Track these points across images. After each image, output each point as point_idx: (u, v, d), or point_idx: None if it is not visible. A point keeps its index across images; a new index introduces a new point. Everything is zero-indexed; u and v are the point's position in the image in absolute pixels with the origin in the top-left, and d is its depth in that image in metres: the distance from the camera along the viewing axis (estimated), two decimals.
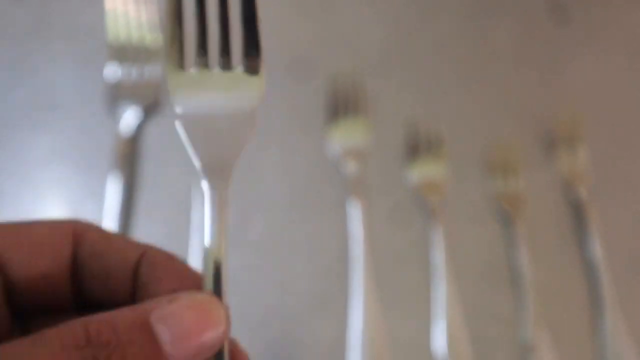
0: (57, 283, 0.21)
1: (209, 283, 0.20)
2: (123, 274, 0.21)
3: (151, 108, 0.52)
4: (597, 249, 0.47)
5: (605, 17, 0.60)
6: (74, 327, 0.16)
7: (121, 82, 0.53)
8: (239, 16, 0.23)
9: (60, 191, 0.49)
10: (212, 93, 0.22)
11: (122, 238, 0.22)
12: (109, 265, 0.21)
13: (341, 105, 0.52)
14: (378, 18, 0.59)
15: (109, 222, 0.46)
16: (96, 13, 0.55)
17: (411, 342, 0.44)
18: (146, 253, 0.21)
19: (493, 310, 0.46)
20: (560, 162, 0.52)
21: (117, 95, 0.52)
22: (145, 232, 0.47)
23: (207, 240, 0.20)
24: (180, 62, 0.22)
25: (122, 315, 0.17)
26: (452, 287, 0.45)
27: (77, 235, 0.21)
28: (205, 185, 0.21)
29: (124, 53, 0.53)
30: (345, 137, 0.51)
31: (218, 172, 0.21)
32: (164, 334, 0.17)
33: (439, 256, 0.47)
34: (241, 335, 0.21)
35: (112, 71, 0.53)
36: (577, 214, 0.50)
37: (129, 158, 0.50)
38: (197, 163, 0.21)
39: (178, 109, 0.22)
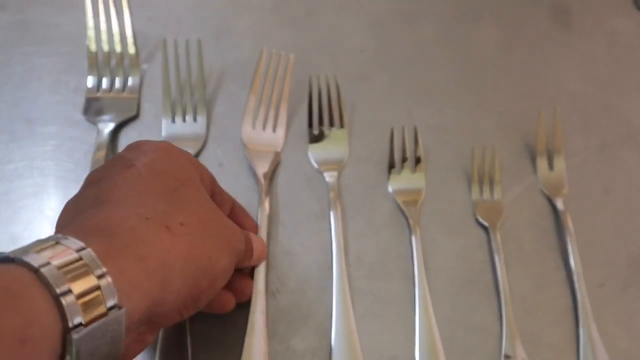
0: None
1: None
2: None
3: (129, 120, 0.52)
4: (575, 260, 0.47)
5: (587, 23, 0.60)
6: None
7: (100, 93, 0.53)
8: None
9: (38, 203, 0.48)
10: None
11: (225, 194, 0.43)
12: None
13: (321, 116, 0.52)
14: (359, 24, 0.59)
15: None
16: (76, 24, 0.56)
17: (392, 353, 0.44)
18: (234, 206, 0.44)
19: (471, 320, 0.45)
20: (539, 172, 0.52)
21: (95, 107, 0.52)
22: None
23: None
24: None
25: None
26: (430, 298, 0.45)
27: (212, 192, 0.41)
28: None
29: (103, 64, 0.53)
30: (324, 148, 0.52)
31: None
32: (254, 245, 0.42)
33: (417, 266, 0.46)
34: None
35: (91, 83, 0.53)
36: (556, 224, 0.50)
37: None
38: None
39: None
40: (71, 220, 0.33)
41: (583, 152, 0.53)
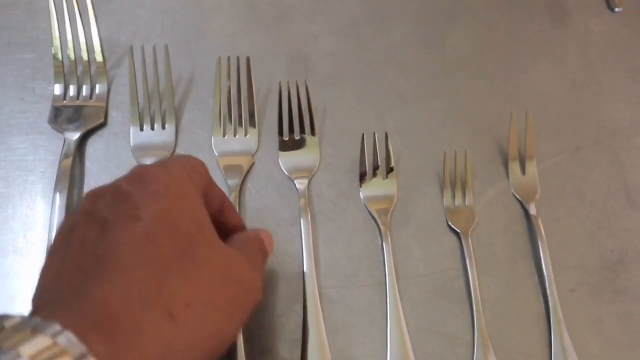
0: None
1: None
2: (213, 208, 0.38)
3: (97, 128, 0.51)
4: (547, 265, 0.47)
5: (560, 25, 0.60)
6: (254, 237, 0.40)
7: (67, 101, 0.52)
8: None
9: (3, 214, 0.48)
10: None
11: (216, 189, 0.39)
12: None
13: (292, 123, 0.52)
14: (330, 28, 0.58)
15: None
16: (42, 30, 0.55)
17: None
18: (224, 201, 0.40)
19: (443, 328, 0.45)
20: (511, 177, 0.51)
21: (62, 115, 0.51)
22: None
23: None
24: None
25: (255, 234, 0.40)
26: (402, 306, 0.45)
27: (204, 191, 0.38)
28: None
29: (70, 71, 0.52)
30: (294, 155, 0.51)
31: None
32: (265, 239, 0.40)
33: (388, 274, 0.46)
34: None
35: (58, 90, 0.52)
36: (528, 229, 0.49)
37: (75, 176, 0.49)
38: None
39: None
40: (66, 287, 0.29)
41: (555, 156, 0.53)
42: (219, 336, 0.31)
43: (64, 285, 0.29)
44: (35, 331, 0.24)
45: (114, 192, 0.32)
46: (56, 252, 0.31)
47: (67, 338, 0.24)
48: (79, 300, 0.27)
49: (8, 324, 0.25)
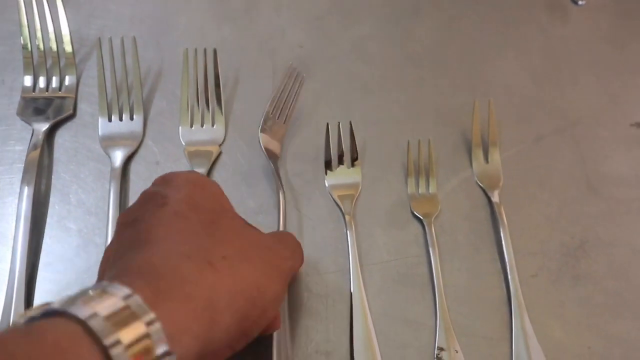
0: None
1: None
2: None
3: (65, 119, 0.52)
4: (508, 252, 0.47)
5: (523, 17, 0.61)
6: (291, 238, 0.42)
7: (36, 93, 0.52)
8: None
9: None
10: None
11: None
12: None
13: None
14: (298, 21, 0.59)
15: (21, 232, 0.45)
16: (11, 22, 0.55)
17: (326, 348, 0.44)
18: None
19: (407, 314, 0.46)
20: (474, 165, 0.52)
21: (31, 106, 0.51)
22: (58, 241, 0.46)
23: None
24: None
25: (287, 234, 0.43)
26: (366, 292, 0.46)
27: None
28: None
29: (39, 63, 0.53)
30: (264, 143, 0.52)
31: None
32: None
33: (352, 261, 0.47)
34: None
35: (28, 82, 0.52)
36: (491, 217, 0.50)
37: (43, 167, 0.50)
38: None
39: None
40: (113, 265, 0.33)
41: (518, 145, 0.54)
42: (258, 288, 0.33)
43: (117, 263, 0.33)
44: (86, 291, 0.28)
45: (142, 197, 0.37)
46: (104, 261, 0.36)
47: (114, 287, 0.28)
48: (123, 267, 0.31)
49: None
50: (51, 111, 0.51)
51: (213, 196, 0.37)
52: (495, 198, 0.50)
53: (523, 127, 0.55)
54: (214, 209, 0.36)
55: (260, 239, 0.37)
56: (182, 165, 0.50)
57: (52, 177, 0.50)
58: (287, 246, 0.40)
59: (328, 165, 0.51)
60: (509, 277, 0.47)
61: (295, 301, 0.46)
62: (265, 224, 0.48)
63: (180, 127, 0.52)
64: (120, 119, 0.51)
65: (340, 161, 0.51)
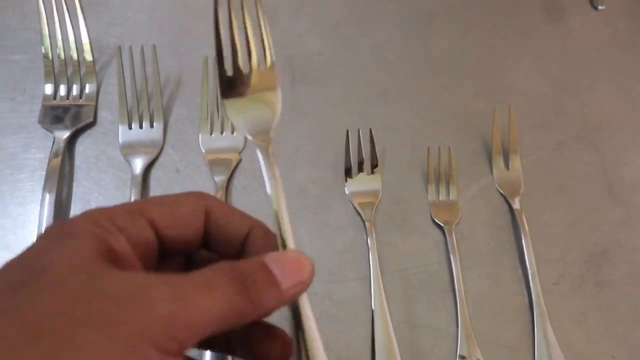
0: (193, 242, 0.30)
1: (274, 228, 0.29)
2: (236, 240, 0.30)
3: (86, 127, 0.52)
4: (530, 259, 0.47)
5: (542, 22, 0.61)
6: (224, 264, 0.26)
7: (57, 101, 0.53)
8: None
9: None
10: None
11: (237, 213, 0.31)
12: (227, 235, 0.30)
13: None
14: (315, 28, 0.59)
15: None
16: (32, 31, 0.56)
17: (348, 355, 0.44)
18: (253, 228, 0.30)
19: (427, 321, 0.46)
20: (495, 172, 0.52)
21: (52, 114, 0.52)
22: None
23: (267, 188, 0.30)
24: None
25: (250, 259, 0.27)
26: (386, 299, 0.45)
27: (208, 212, 0.30)
28: (257, 147, 0.31)
29: (60, 72, 0.53)
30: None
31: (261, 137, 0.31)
32: (275, 269, 0.27)
33: (373, 268, 0.47)
34: None
35: (49, 90, 0.53)
36: (512, 223, 0.50)
37: (64, 174, 0.50)
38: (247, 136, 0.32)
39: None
40: None
41: (538, 151, 0.54)
42: None
43: None
44: None
45: None
46: None
47: None
48: None
49: None
50: (72, 119, 0.52)
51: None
52: (516, 205, 0.50)
53: (543, 134, 0.54)
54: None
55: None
56: (202, 172, 0.50)
57: (73, 184, 0.50)
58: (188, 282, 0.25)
59: (348, 173, 0.51)
60: (531, 284, 0.46)
61: (315, 309, 0.45)
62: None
63: (200, 135, 0.52)
64: (141, 127, 0.52)
65: (360, 168, 0.51)
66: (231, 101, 0.32)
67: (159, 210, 0.28)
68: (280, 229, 0.29)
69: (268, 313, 0.27)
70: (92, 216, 0.26)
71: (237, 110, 0.32)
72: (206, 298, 0.25)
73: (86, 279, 0.24)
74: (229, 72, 0.32)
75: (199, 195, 0.30)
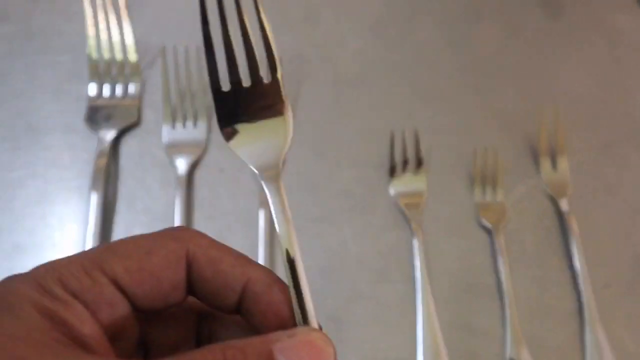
0: (171, 296, 0.24)
1: (287, 276, 0.24)
2: (229, 295, 0.24)
3: (130, 127, 0.52)
4: (580, 261, 0.46)
5: (589, 22, 0.60)
6: (214, 351, 0.20)
7: (101, 101, 0.53)
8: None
9: (41, 210, 0.49)
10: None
11: (229, 260, 0.24)
12: (215, 289, 0.24)
13: None
14: (358, 28, 0.59)
15: (90, 238, 0.46)
16: (78, 33, 0.56)
17: (395, 356, 0.44)
18: (250, 281, 0.24)
19: (475, 324, 0.45)
20: (542, 173, 0.51)
21: (97, 113, 0.52)
22: None
23: (277, 230, 0.24)
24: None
25: (252, 345, 0.21)
26: (433, 300, 0.45)
27: (190, 260, 0.24)
28: (263, 183, 0.26)
29: (104, 71, 0.53)
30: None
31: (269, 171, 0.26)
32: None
33: (420, 269, 0.46)
34: None
35: (92, 90, 0.53)
36: (559, 224, 0.49)
37: (109, 174, 0.50)
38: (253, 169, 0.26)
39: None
40: None
41: (586, 152, 0.53)
42: None
43: None
44: None
45: None
46: None
47: None
48: None
49: None
50: (116, 119, 0.52)
51: None
52: (564, 206, 0.49)
53: (590, 134, 0.54)
54: None
55: None
56: (246, 173, 0.50)
57: (119, 184, 0.50)
58: None
59: (393, 171, 0.50)
60: (581, 287, 0.46)
61: (360, 310, 0.45)
62: (328, 231, 0.47)
63: None
64: (184, 126, 0.52)
65: (405, 167, 0.50)
66: (231, 130, 0.26)
67: (123, 264, 0.22)
68: (293, 281, 0.23)
69: None
70: (36, 278, 0.21)
71: (240, 140, 0.26)
72: None
73: None
74: (226, 89, 0.27)
75: (178, 238, 0.24)
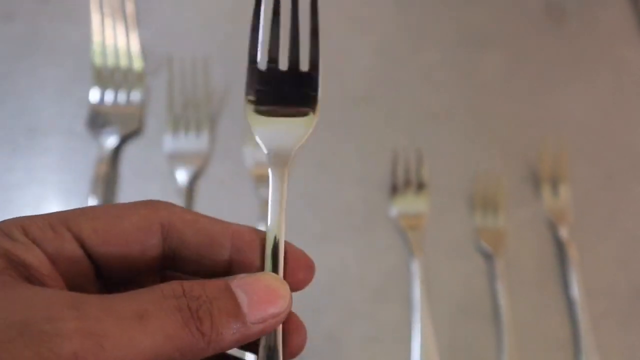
0: (141, 264, 0.23)
1: (268, 258, 0.24)
2: (221, 253, 0.24)
3: (132, 134, 0.52)
4: (577, 288, 0.46)
5: (593, 53, 0.60)
6: (172, 284, 0.21)
7: (103, 106, 0.53)
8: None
9: (39, 211, 0.48)
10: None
11: (205, 219, 0.24)
12: (204, 247, 0.24)
13: None
14: (366, 47, 0.59)
15: None
16: (83, 36, 0.56)
17: None
18: (237, 233, 0.24)
19: (471, 348, 0.45)
20: (543, 199, 0.51)
21: (98, 119, 0.52)
22: None
23: (269, 217, 0.24)
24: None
25: (210, 280, 0.22)
26: (430, 323, 0.45)
27: (166, 227, 0.23)
28: (270, 167, 0.26)
29: (108, 77, 0.53)
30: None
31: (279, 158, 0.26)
32: (241, 296, 0.21)
33: (419, 291, 0.46)
34: None
35: (95, 95, 0.53)
36: (559, 252, 0.49)
37: (109, 181, 0.50)
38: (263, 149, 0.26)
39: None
40: None
41: (588, 181, 0.53)
42: None
43: None
44: None
45: None
46: None
47: None
48: None
49: None
50: (118, 125, 0.52)
51: None
52: (564, 234, 0.49)
53: (592, 164, 0.54)
54: None
55: None
56: (247, 185, 0.50)
57: (118, 191, 0.50)
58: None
59: (395, 190, 0.50)
60: (579, 316, 0.46)
61: (357, 329, 0.45)
62: (329, 248, 0.47)
63: (243, 147, 0.51)
64: (186, 136, 0.51)
65: (407, 189, 0.50)
66: (254, 105, 0.27)
67: (90, 224, 0.22)
68: (272, 252, 0.24)
69: (228, 348, 0.22)
70: (1, 226, 0.21)
71: (260, 119, 0.27)
72: (133, 332, 0.19)
73: None
74: (263, 69, 0.27)
75: (152, 206, 0.24)
